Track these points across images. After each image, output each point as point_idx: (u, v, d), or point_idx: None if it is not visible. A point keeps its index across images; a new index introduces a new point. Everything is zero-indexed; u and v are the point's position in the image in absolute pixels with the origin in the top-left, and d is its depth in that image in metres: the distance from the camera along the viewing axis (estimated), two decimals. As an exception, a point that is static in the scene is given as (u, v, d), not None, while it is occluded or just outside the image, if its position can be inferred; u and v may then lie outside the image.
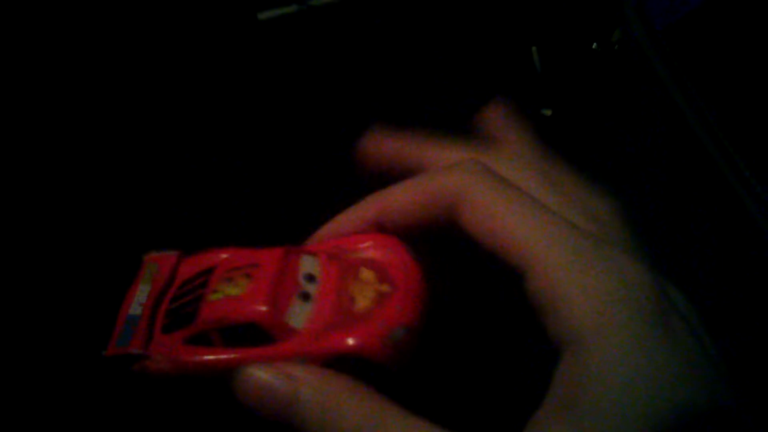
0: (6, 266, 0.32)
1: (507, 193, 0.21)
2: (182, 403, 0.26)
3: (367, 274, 0.24)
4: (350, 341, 0.22)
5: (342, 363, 0.22)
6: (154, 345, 0.25)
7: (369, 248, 0.25)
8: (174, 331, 0.25)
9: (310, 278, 0.24)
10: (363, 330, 0.22)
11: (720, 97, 0.31)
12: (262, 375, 0.22)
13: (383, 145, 0.27)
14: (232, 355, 0.23)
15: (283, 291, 0.24)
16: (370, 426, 0.19)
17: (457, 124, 0.30)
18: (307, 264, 0.25)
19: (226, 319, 0.23)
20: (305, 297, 0.24)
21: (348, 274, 0.24)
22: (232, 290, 0.24)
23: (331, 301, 0.24)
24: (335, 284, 0.24)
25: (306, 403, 0.20)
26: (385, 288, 0.23)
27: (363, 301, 0.23)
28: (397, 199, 0.24)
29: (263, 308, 0.23)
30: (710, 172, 0.30)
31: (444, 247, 0.24)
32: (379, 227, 0.25)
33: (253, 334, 0.23)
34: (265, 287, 0.24)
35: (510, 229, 0.20)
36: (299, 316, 0.23)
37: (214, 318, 0.24)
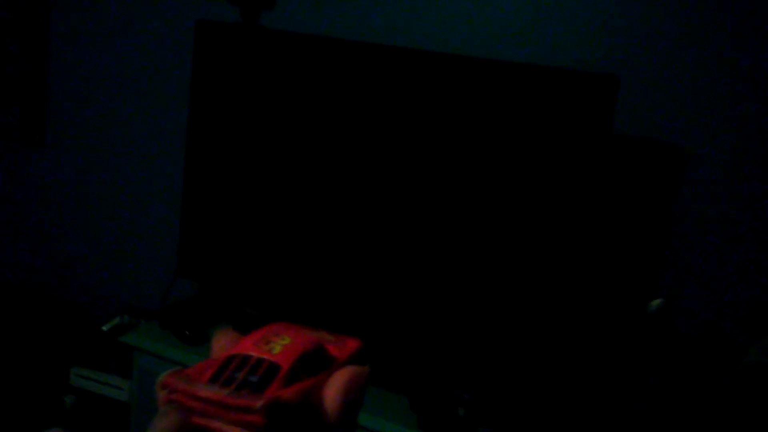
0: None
1: None
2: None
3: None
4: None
5: (356, 359, 0.31)
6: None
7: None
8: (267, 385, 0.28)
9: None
10: None
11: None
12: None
13: None
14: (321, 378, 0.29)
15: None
16: None
17: None
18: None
19: (306, 350, 0.30)
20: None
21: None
22: (283, 341, 0.31)
23: None
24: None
25: None
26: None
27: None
28: None
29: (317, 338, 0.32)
30: None
31: None
32: None
33: (321, 360, 0.30)
34: (306, 334, 0.32)
35: None
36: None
37: (296, 354, 0.29)
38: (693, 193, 1.58)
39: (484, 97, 1.41)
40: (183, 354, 1.60)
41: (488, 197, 1.44)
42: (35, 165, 2.32)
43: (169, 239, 2.11)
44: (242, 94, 1.63)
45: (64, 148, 2.26)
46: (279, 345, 0.30)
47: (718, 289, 1.58)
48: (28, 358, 2.05)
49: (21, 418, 2.02)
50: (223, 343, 0.32)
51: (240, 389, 0.27)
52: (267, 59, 1.59)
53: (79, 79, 2.19)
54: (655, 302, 1.51)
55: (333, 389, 0.29)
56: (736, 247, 1.56)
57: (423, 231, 1.51)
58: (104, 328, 1.97)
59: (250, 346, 0.31)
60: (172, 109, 2.05)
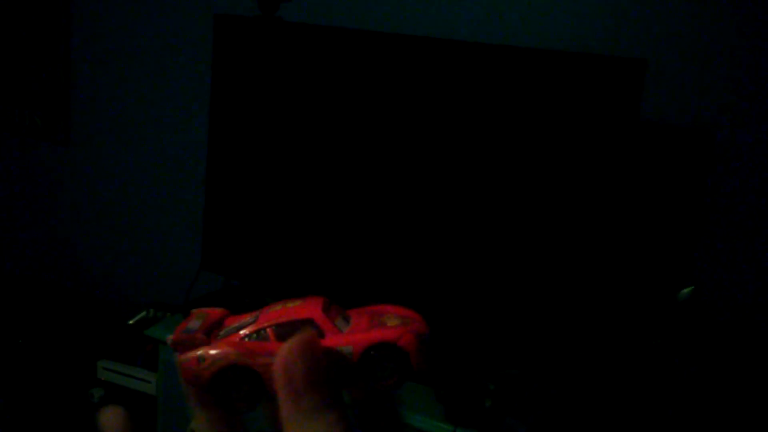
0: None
1: None
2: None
3: (391, 316, 0.33)
4: (392, 333, 0.30)
5: (380, 349, 0.30)
6: (214, 340, 0.32)
7: (391, 311, 0.34)
8: (235, 333, 0.32)
9: (346, 316, 0.33)
10: (400, 330, 0.30)
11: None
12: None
13: None
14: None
15: (329, 312, 0.32)
16: None
17: None
18: (342, 311, 0.33)
19: (286, 317, 0.31)
20: (346, 318, 0.32)
21: (375, 315, 0.33)
22: (289, 305, 0.32)
23: (366, 321, 0.32)
24: (367, 316, 0.33)
25: None
26: (407, 321, 0.32)
27: (392, 322, 0.32)
28: None
29: (319, 310, 0.31)
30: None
31: None
32: None
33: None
34: (317, 303, 0.32)
35: None
36: (342, 325, 0.32)
37: (274, 317, 0.31)
38: (724, 179, 1.54)
39: (511, 84, 1.39)
40: (208, 347, 1.60)
41: (516, 184, 1.42)
42: (61, 163, 2.34)
43: (193, 234, 2.12)
44: (263, 86, 1.62)
45: (88, 146, 2.28)
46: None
47: (749, 276, 1.54)
48: (56, 352, 2.07)
49: (50, 411, 2.04)
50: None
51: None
52: (286, 51, 1.58)
53: (102, 77, 2.20)
54: (686, 290, 1.48)
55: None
56: (769, 233, 1.52)
57: (450, 219, 1.49)
58: (130, 322, 1.99)
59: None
60: (194, 104, 2.06)
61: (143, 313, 2.00)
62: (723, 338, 1.56)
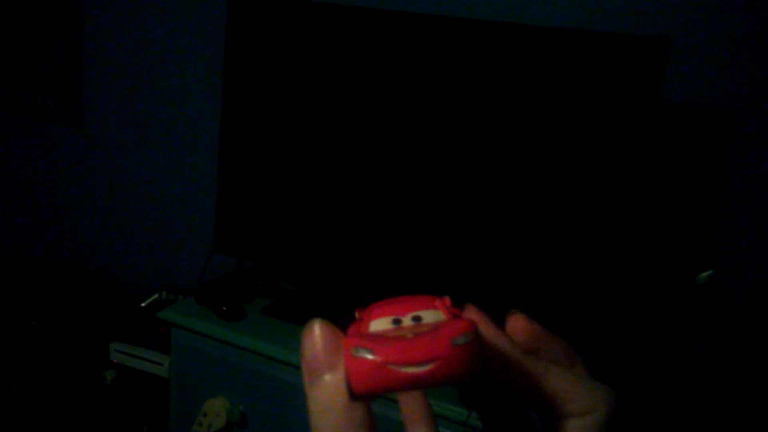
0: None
1: None
2: None
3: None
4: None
5: None
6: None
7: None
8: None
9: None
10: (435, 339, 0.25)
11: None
12: None
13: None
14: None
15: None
16: None
17: None
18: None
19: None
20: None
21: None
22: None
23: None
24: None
25: None
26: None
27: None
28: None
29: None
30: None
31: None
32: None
33: None
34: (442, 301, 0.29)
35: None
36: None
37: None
38: (746, 161, 1.51)
39: (529, 64, 1.36)
40: (220, 330, 1.59)
41: (535, 168, 1.40)
42: (73, 145, 2.33)
43: (205, 216, 2.11)
44: (277, 67, 1.60)
45: (101, 128, 2.27)
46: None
47: (771, 261, 1.52)
48: (69, 334, 2.07)
49: (63, 394, 2.05)
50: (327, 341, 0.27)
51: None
52: (301, 31, 1.55)
53: (113, 58, 2.19)
54: (705, 274, 1.45)
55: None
56: (791, 217, 1.49)
57: (468, 203, 1.47)
58: (143, 304, 1.99)
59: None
60: (207, 85, 2.04)
61: (156, 296, 2.00)
62: (742, 322, 1.54)
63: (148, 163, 2.20)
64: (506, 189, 1.42)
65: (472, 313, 0.28)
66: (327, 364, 0.25)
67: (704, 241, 1.57)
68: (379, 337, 0.25)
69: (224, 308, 1.62)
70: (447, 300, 0.28)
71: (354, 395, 0.24)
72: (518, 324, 0.29)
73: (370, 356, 0.24)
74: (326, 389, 0.25)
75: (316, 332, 0.26)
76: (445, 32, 1.42)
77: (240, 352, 1.58)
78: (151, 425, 1.95)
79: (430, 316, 0.26)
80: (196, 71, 2.05)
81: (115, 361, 1.91)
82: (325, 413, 0.25)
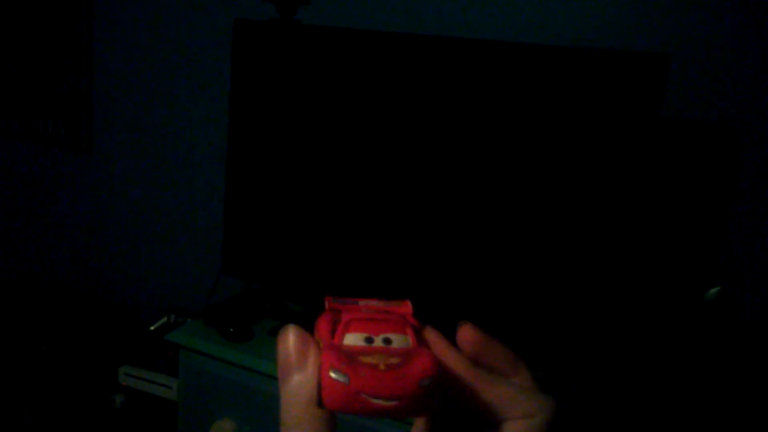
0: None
1: None
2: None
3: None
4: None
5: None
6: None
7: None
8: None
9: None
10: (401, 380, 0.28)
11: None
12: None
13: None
14: None
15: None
16: None
17: None
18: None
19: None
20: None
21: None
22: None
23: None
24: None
25: None
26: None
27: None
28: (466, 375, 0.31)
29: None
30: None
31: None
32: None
33: None
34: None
35: None
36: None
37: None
38: (750, 176, 1.51)
39: (531, 83, 1.37)
40: (228, 351, 1.60)
41: (538, 183, 1.40)
42: (83, 170, 2.36)
43: (213, 238, 2.12)
44: (282, 90, 1.62)
45: (110, 154, 2.30)
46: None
47: (779, 276, 1.50)
48: (78, 358, 2.08)
49: (73, 417, 2.05)
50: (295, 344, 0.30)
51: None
52: (305, 54, 1.58)
53: (123, 85, 2.22)
54: (713, 290, 1.44)
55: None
56: (799, 231, 1.48)
57: (472, 220, 1.48)
58: (152, 328, 1.99)
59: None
60: (214, 108, 2.07)
61: (164, 319, 2.00)
62: (750, 339, 1.52)
63: (156, 186, 2.23)
64: (513, 207, 1.43)
65: (430, 334, 0.31)
66: (297, 364, 0.29)
67: (711, 257, 1.56)
68: (354, 361, 0.27)
69: (231, 330, 1.63)
70: (409, 307, 0.31)
71: (322, 406, 0.27)
72: (466, 334, 0.31)
73: (345, 382, 0.26)
74: (294, 387, 0.28)
75: (290, 337, 0.29)
76: (449, 53, 1.43)
77: (248, 373, 1.58)
78: (159, 449, 1.94)
79: (399, 341, 0.29)
80: (204, 96, 2.08)
81: (124, 384, 1.91)
82: (291, 408, 0.28)
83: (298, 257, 1.69)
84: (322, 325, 0.30)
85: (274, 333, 1.66)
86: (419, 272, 1.55)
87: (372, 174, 1.56)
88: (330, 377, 0.27)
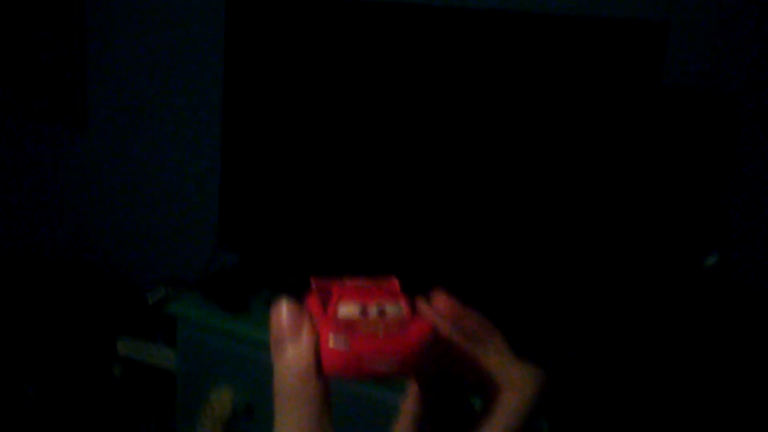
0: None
1: None
2: None
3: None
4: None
5: None
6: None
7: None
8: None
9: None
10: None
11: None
12: None
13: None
14: None
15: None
16: None
17: None
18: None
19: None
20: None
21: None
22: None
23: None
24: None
25: None
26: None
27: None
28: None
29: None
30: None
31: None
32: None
33: None
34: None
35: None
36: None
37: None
38: (750, 145, 1.50)
39: (529, 52, 1.36)
40: (225, 322, 1.60)
41: (535, 155, 1.39)
42: (78, 145, 2.34)
43: (209, 211, 2.12)
44: (277, 62, 1.61)
45: (104, 129, 2.28)
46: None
47: (776, 246, 1.51)
48: (77, 330, 2.08)
49: (73, 389, 2.06)
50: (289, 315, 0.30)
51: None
52: (300, 25, 1.56)
53: (116, 60, 2.20)
54: (711, 258, 1.44)
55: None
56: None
57: (468, 194, 1.47)
58: (150, 301, 2.00)
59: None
60: (209, 81, 2.05)
61: (162, 291, 2.01)
62: (749, 307, 1.53)
63: (152, 159, 2.21)
64: (512, 178, 1.42)
65: (423, 307, 0.31)
66: (290, 336, 0.29)
67: (710, 227, 1.56)
68: (353, 329, 0.28)
69: (229, 300, 1.63)
70: (395, 283, 0.31)
71: (322, 374, 0.28)
72: (441, 301, 0.31)
73: (346, 347, 0.27)
74: (288, 359, 0.29)
75: (283, 309, 0.30)
76: (445, 23, 1.42)
77: (245, 343, 1.58)
78: (158, 418, 1.96)
79: (393, 310, 0.29)
80: (199, 70, 2.06)
81: (122, 355, 1.92)
82: (286, 380, 0.28)
83: (293, 230, 1.68)
84: (313, 302, 0.30)
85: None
86: (411, 244, 1.54)
87: (366, 147, 1.55)
88: (330, 344, 0.27)
